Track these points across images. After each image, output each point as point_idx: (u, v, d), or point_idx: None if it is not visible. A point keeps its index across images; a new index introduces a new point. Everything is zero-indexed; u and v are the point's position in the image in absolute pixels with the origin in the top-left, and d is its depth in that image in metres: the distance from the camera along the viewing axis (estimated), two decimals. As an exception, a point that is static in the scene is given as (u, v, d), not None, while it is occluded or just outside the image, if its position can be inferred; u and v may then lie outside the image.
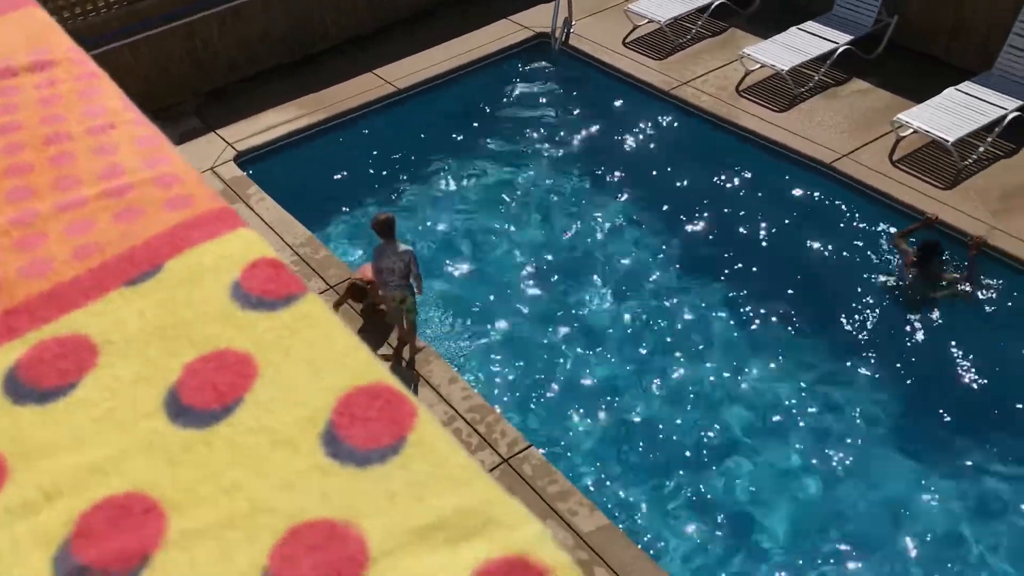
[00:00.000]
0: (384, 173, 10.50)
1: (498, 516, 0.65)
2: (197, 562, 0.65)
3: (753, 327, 8.46)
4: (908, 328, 8.28)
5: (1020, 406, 7.53)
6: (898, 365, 7.97)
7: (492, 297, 8.93)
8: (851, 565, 6.66)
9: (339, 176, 10.39)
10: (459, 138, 11.01)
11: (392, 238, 7.32)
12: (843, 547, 6.75)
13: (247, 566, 0.64)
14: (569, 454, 7.48)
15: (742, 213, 9.63)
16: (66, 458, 0.72)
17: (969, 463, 7.20)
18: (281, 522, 0.67)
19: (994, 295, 8.35)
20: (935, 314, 8.33)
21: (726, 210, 9.70)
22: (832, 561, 6.69)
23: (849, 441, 7.44)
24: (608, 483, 7.27)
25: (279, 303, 0.82)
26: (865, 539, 6.80)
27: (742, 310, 8.63)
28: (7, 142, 0.95)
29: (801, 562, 6.70)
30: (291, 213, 9.24)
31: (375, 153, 10.73)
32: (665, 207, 9.86)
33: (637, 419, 7.74)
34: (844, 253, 9.02)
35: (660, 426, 7.67)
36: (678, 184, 10.16)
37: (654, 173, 10.33)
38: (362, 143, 10.77)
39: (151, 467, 0.71)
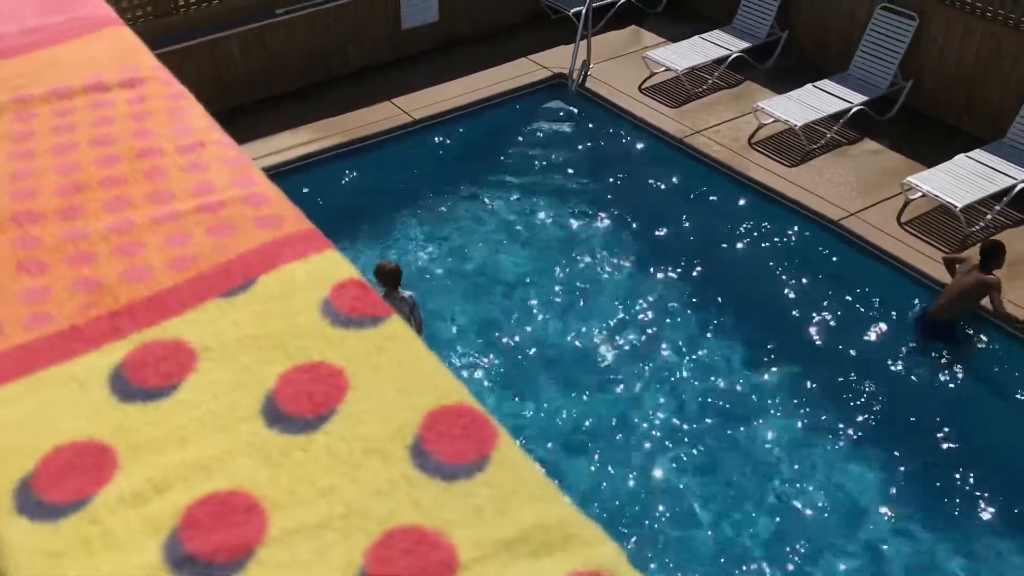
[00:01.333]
0: (395, 201, 10.57)
1: (578, 533, 0.70)
2: (297, 558, 0.69)
3: (749, 375, 8.50)
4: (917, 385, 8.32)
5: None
6: (910, 422, 8.00)
7: (495, 332, 8.98)
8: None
9: (350, 202, 10.47)
10: (471, 171, 11.10)
11: (397, 288, 7.23)
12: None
13: (344, 564, 0.68)
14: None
15: (747, 264, 9.70)
16: (172, 454, 0.77)
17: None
18: (375, 526, 0.71)
19: (993, 361, 8.41)
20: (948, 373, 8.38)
21: (731, 260, 9.78)
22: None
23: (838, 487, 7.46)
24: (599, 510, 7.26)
25: (367, 322, 0.87)
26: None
27: (738, 357, 8.67)
28: (103, 153, 1.01)
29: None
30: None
31: (387, 181, 10.82)
32: (670, 253, 9.94)
33: (633, 449, 7.76)
34: (847, 310, 9.08)
35: (658, 455, 7.68)
36: (684, 231, 10.25)
37: (662, 219, 10.42)
38: (375, 170, 10.86)
39: (251, 467, 0.76)
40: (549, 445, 7.88)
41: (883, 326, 8.88)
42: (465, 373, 8.51)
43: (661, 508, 7.40)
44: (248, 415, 0.80)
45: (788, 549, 7.11)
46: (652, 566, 6.95)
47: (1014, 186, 9.41)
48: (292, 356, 0.84)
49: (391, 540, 0.70)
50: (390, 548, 0.70)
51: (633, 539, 7.14)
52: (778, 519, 7.33)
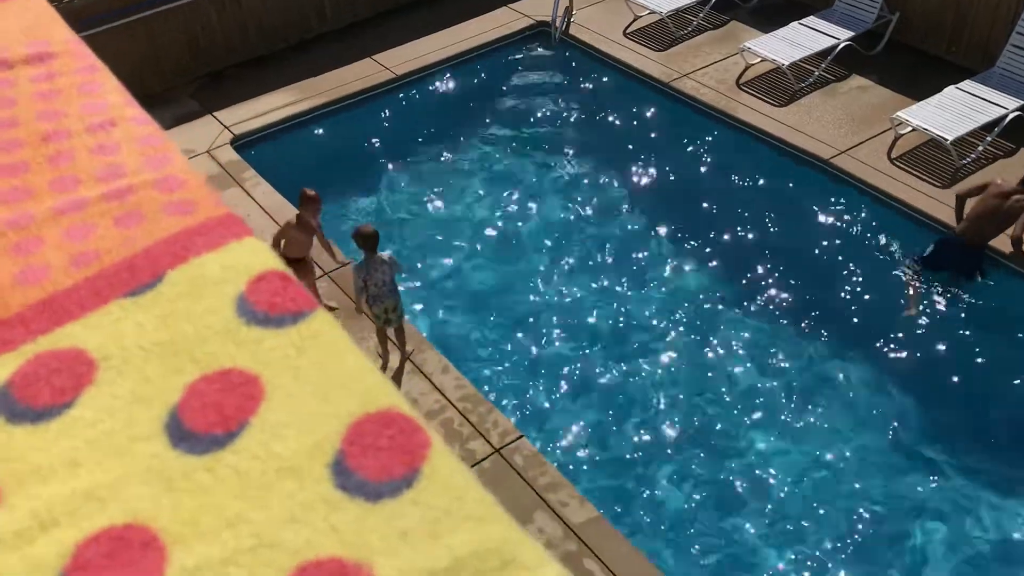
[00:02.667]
0: (380, 159, 10.44)
1: (518, 557, 0.62)
2: None
3: (747, 319, 8.44)
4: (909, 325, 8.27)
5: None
6: (898, 359, 7.97)
7: (487, 285, 8.90)
8: (846, 559, 6.66)
9: (335, 161, 10.32)
10: (457, 125, 10.94)
11: (375, 251, 7.16)
12: (840, 542, 6.75)
13: None
14: (561, 446, 7.47)
15: (738, 206, 9.60)
16: (62, 484, 0.68)
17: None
18: (288, 559, 0.63)
19: (988, 296, 8.35)
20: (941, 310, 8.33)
21: (722, 202, 9.67)
22: (826, 554, 6.69)
23: (856, 436, 7.44)
24: (599, 476, 7.26)
25: (287, 319, 0.78)
26: (863, 533, 6.80)
27: (735, 301, 8.61)
28: (3, 139, 0.91)
29: (794, 556, 6.70)
30: (287, 198, 9.18)
31: (372, 139, 10.67)
32: (661, 198, 9.84)
33: (630, 411, 7.72)
34: (838, 248, 9.00)
35: (654, 419, 7.65)
36: (675, 176, 10.13)
37: (652, 164, 10.29)
38: (360, 129, 10.70)
39: (150, 495, 0.67)
40: (547, 387, 7.85)
41: (876, 263, 8.80)
42: (456, 324, 8.46)
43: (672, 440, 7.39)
44: (149, 434, 0.71)
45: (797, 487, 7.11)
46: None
47: (1005, 116, 9.28)
48: (201, 363, 0.75)
49: (304, 575, 0.62)
50: None
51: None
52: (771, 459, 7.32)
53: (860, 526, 6.85)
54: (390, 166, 10.34)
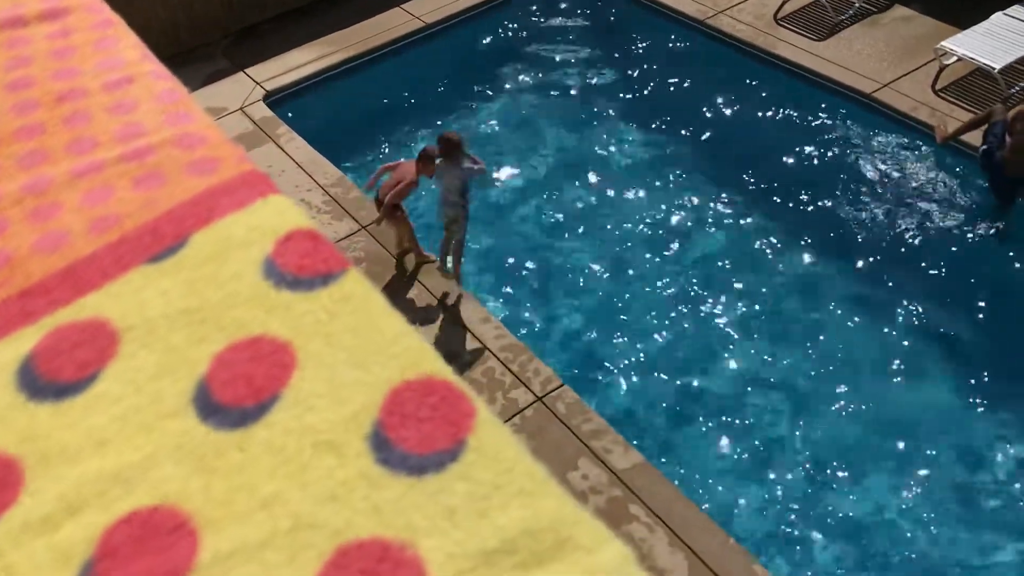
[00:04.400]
0: (414, 110, 10.35)
1: (574, 537, 0.57)
2: None
3: (792, 260, 8.31)
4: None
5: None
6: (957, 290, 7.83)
7: (525, 235, 8.83)
8: (889, 492, 6.61)
9: (369, 114, 10.25)
10: (489, 72, 10.81)
11: (451, 158, 7.16)
12: (889, 479, 6.69)
13: None
14: (604, 392, 7.44)
15: (781, 145, 9.41)
16: (88, 464, 0.65)
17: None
18: (327, 541, 0.59)
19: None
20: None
21: (764, 142, 9.49)
22: (872, 492, 6.63)
23: (901, 375, 7.34)
24: (644, 422, 7.24)
25: (317, 282, 0.73)
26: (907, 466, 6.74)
27: (779, 244, 8.48)
28: (17, 100, 0.86)
29: (838, 491, 6.65)
30: (322, 153, 9.15)
31: (405, 90, 10.57)
32: (700, 140, 9.67)
33: (673, 356, 7.67)
34: (885, 186, 8.81)
35: (697, 364, 7.59)
36: (713, 116, 9.94)
37: (689, 105, 10.11)
38: (392, 80, 10.60)
39: (180, 476, 0.63)
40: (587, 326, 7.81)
41: (926, 198, 8.61)
42: (494, 275, 8.42)
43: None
44: (177, 409, 0.67)
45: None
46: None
47: (1056, 42, 8.97)
48: (228, 331, 0.70)
49: (346, 558, 0.58)
50: (345, 569, 0.57)
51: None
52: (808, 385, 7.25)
53: (904, 463, 6.78)
54: (422, 116, 10.25)
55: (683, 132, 9.83)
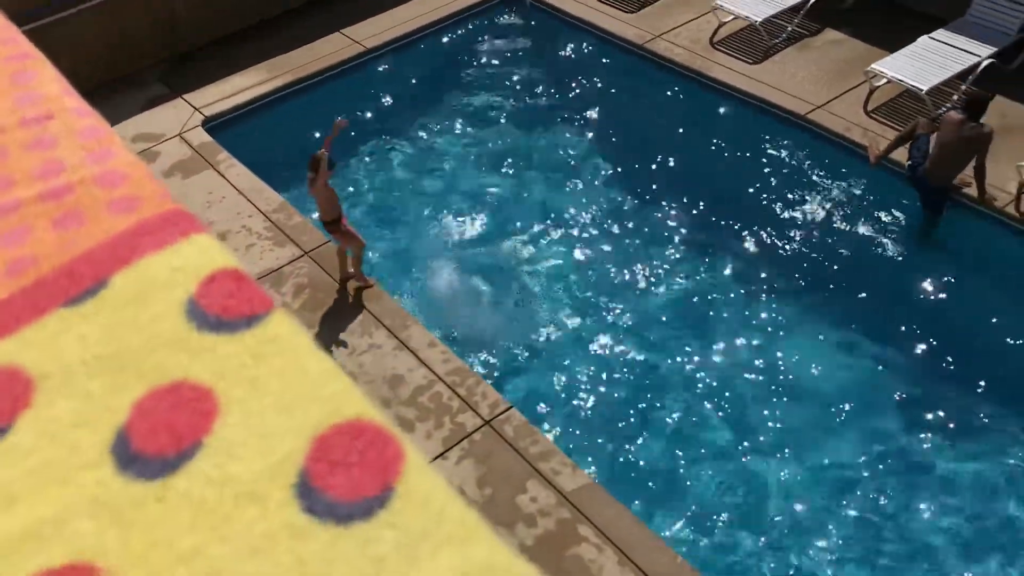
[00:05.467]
0: (355, 135, 10.31)
1: None
2: None
3: (726, 278, 8.42)
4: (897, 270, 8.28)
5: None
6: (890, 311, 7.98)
7: (467, 255, 8.84)
8: (841, 525, 6.70)
9: (310, 139, 10.18)
10: (430, 97, 10.83)
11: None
12: (841, 510, 6.78)
13: None
14: (549, 414, 7.45)
15: (717, 166, 9.56)
16: None
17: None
18: None
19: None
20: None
21: (700, 162, 9.63)
22: (821, 525, 6.71)
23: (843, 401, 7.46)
24: (589, 442, 7.25)
25: (241, 324, 0.72)
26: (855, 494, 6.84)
27: (713, 262, 8.59)
28: None
29: (786, 529, 6.72)
30: (263, 179, 9.07)
31: (346, 115, 10.52)
32: (639, 162, 9.78)
33: (618, 377, 7.71)
34: (819, 204, 8.98)
35: (642, 383, 7.64)
36: (652, 138, 10.07)
37: (628, 128, 10.23)
38: (333, 105, 10.54)
39: (96, 530, 0.61)
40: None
41: (856, 217, 8.79)
42: (440, 298, 8.39)
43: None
44: (94, 460, 0.65)
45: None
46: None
47: (979, 63, 9.25)
48: (148, 377, 0.69)
49: None
50: None
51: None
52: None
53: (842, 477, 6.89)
54: (365, 141, 10.22)
55: (620, 153, 9.93)
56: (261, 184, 8.98)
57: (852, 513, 6.70)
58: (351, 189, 9.62)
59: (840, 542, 6.55)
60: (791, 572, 6.42)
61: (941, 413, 7.25)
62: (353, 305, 7.67)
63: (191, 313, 0.73)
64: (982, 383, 7.41)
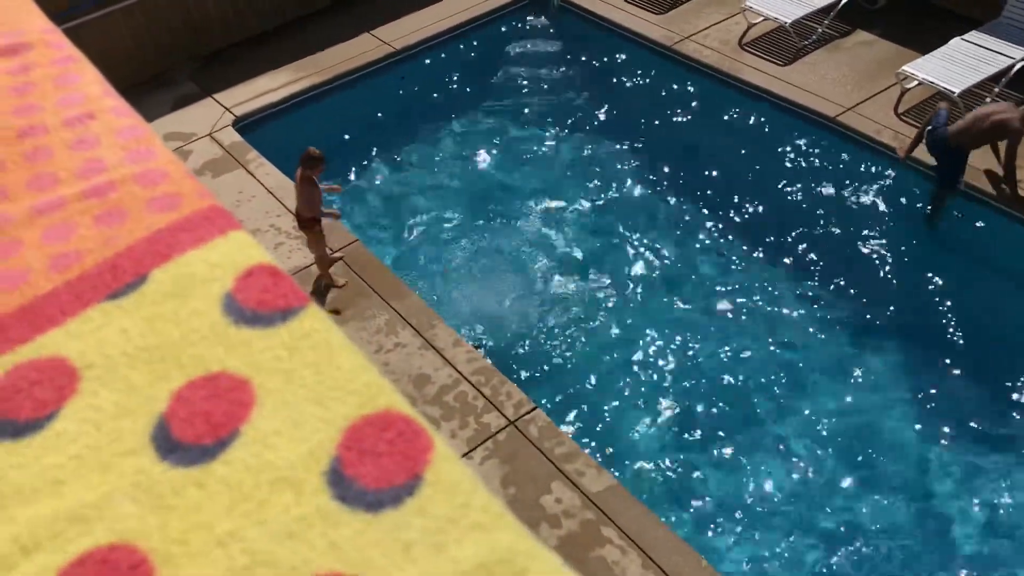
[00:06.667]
0: (383, 135, 10.37)
1: (528, 569, 0.58)
2: None
3: (760, 279, 8.39)
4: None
5: None
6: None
7: (496, 256, 8.86)
8: (863, 522, 6.65)
9: (338, 139, 10.26)
10: (458, 98, 10.86)
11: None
12: (862, 504, 6.74)
13: None
14: (576, 415, 7.45)
15: (746, 168, 9.52)
16: (43, 504, 0.65)
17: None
18: None
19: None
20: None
21: (731, 164, 9.59)
22: (843, 518, 6.67)
23: (869, 396, 7.41)
24: (616, 444, 7.25)
25: (277, 317, 0.73)
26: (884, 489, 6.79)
27: (745, 264, 8.56)
28: None
29: (809, 520, 6.68)
30: (292, 178, 9.12)
31: (374, 115, 10.60)
32: (668, 163, 9.76)
33: (646, 378, 7.70)
34: (849, 206, 8.93)
35: (668, 384, 7.63)
36: (681, 140, 10.04)
37: (657, 130, 10.20)
38: (361, 105, 10.62)
39: (138, 514, 0.64)
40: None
41: (887, 219, 8.73)
42: (466, 297, 8.42)
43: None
44: (135, 447, 0.67)
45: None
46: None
47: (1012, 66, 9.15)
48: (187, 369, 0.71)
49: None
50: None
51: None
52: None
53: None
54: (392, 142, 10.28)
55: (650, 155, 9.91)
56: (290, 183, 9.03)
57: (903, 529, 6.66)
58: (375, 192, 9.66)
59: (875, 553, 6.51)
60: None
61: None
62: (380, 304, 7.71)
63: (228, 307, 0.75)
64: None
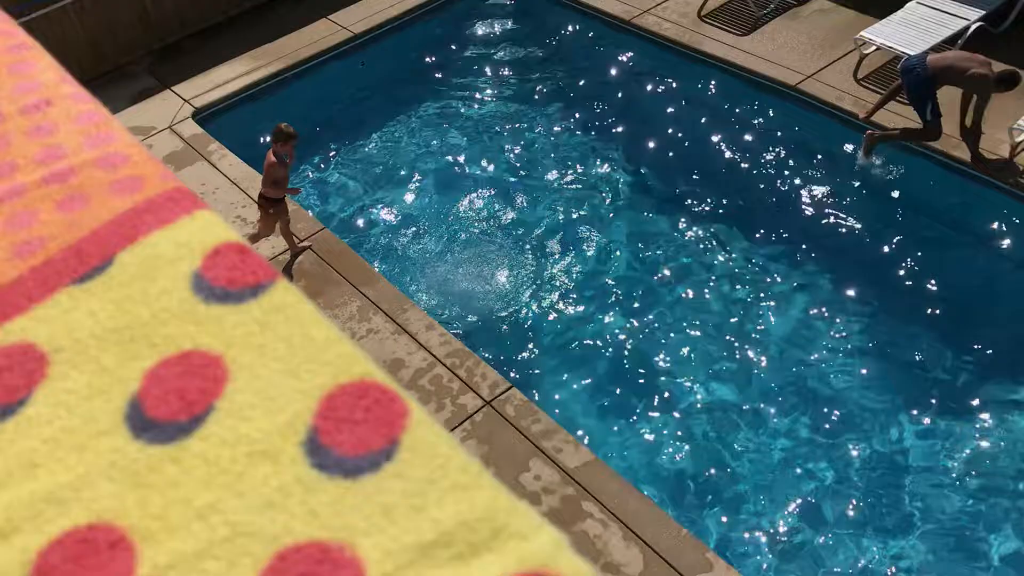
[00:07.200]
0: (345, 120, 10.31)
1: (509, 525, 0.59)
2: None
3: (724, 253, 8.45)
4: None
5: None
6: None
7: (464, 238, 8.85)
8: (834, 482, 6.75)
9: (300, 126, 10.16)
10: (419, 81, 10.81)
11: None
12: (826, 470, 6.84)
13: None
14: (551, 392, 7.49)
15: (709, 139, 9.56)
16: (19, 487, 0.64)
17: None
18: (266, 547, 0.59)
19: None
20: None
21: (693, 136, 9.63)
22: (816, 485, 6.77)
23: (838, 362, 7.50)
24: (592, 419, 7.30)
25: (247, 294, 0.73)
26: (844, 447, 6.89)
27: (711, 236, 8.61)
28: None
29: (777, 495, 6.77)
30: (255, 168, 9.05)
31: (335, 101, 10.52)
32: (631, 138, 9.78)
33: (616, 351, 7.74)
34: (812, 174, 9.00)
35: (640, 357, 7.68)
36: (643, 114, 10.06)
37: (618, 104, 10.22)
38: (321, 92, 10.54)
39: (115, 492, 0.63)
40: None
41: (846, 186, 8.81)
42: (433, 280, 8.42)
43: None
44: (109, 427, 0.67)
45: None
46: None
47: (968, 27, 9.24)
48: (159, 347, 0.71)
49: (285, 563, 0.59)
50: (285, 573, 0.58)
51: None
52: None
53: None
54: (354, 127, 10.21)
55: (615, 130, 9.93)
56: (254, 173, 8.96)
57: (873, 491, 6.76)
58: (340, 177, 9.62)
59: (849, 517, 6.61)
60: (799, 546, 6.48)
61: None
62: (351, 291, 7.69)
63: (197, 286, 0.75)
64: None
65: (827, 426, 7.08)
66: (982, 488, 6.62)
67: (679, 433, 7.15)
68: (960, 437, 6.92)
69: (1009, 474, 6.68)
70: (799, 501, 6.68)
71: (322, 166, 9.83)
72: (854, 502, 6.63)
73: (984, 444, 6.86)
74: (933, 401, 7.14)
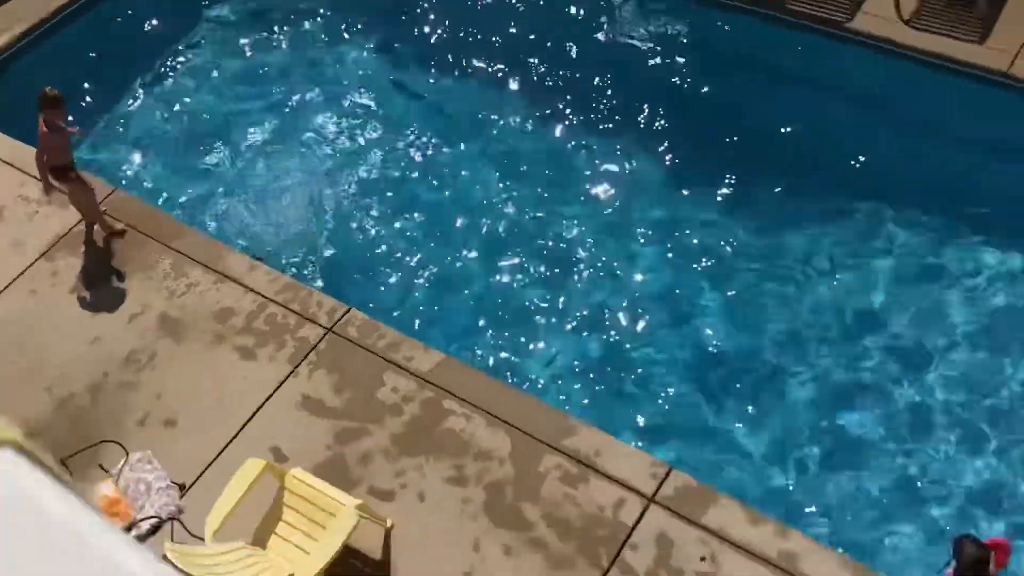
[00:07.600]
0: (114, 72, 9.68)
1: None
2: None
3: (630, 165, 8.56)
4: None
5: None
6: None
7: (264, 168, 8.62)
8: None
9: (68, 86, 9.44)
10: (181, 23, 10.23)
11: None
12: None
13: None
14: (393, 306, 7.53)
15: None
16: None
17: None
18: None
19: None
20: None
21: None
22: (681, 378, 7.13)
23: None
24: (436, 322, 7.41)
25: None
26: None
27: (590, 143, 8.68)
28: None
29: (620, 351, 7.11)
30: (29, 144, 8.41)
31: (99, 53, 9.80)
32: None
33: (453, 255, 7.83)
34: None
35: (477, 253, 7.79)
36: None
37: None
38: (83, 47, 9.79)
39: None
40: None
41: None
42: (254, 214, 8.20)
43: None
44: None
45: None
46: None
47: None
48: None
49: None
50: None
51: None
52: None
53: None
54: (124, 77, 9.61)
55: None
56: (27, 148, 8.34)
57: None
58: (113, 137, 9.08)
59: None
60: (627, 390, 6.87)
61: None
62: (159, 248, 7.35)
63: None
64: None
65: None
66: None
67: (528, 320, 7.36)
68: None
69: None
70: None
71: (97, 124, 9.24)
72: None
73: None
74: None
